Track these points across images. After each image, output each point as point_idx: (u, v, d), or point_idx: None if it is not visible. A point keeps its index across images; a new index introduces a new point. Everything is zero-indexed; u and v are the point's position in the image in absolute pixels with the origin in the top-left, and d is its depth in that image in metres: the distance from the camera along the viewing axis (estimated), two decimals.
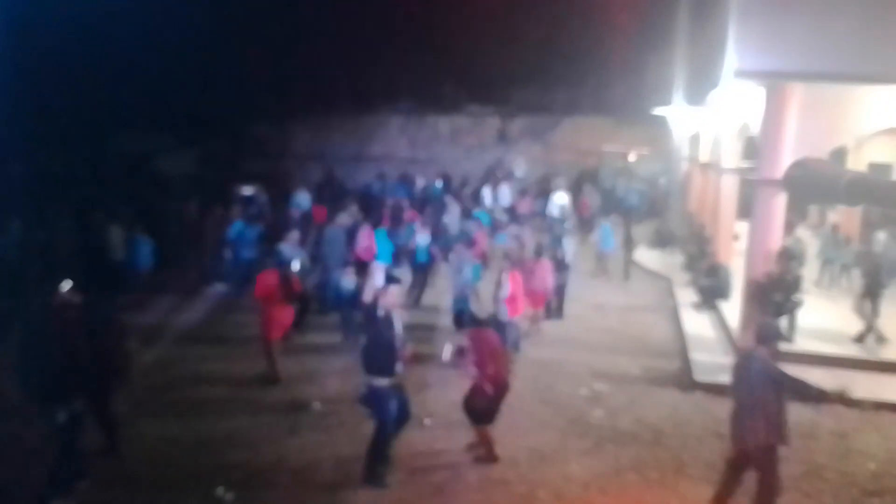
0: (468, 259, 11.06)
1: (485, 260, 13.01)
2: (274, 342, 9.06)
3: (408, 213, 15.27)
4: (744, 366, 5.85)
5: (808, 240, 12.76)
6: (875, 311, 10.08)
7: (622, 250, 16.22)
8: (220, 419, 7.92)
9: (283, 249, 10.72)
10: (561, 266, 12.01)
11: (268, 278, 9.04)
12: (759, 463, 5.72)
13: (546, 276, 11.04)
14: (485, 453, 7.01)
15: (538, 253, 11.40)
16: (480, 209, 15.37)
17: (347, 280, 10.14)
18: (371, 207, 17.01)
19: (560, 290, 12.10)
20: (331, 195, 19.73)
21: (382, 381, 6.45)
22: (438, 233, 14.12)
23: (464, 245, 11.59)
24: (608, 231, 15.50)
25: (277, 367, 9.02)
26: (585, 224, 17.99)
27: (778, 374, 5.67)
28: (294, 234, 11.20)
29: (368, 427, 7.64)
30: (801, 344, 9.80)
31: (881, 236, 11.50)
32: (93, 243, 12.83)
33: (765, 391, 5.59)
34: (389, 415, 6.52)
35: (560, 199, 18.39)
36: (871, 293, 10.14)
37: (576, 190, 21.43)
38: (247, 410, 8.16)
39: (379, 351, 6.46)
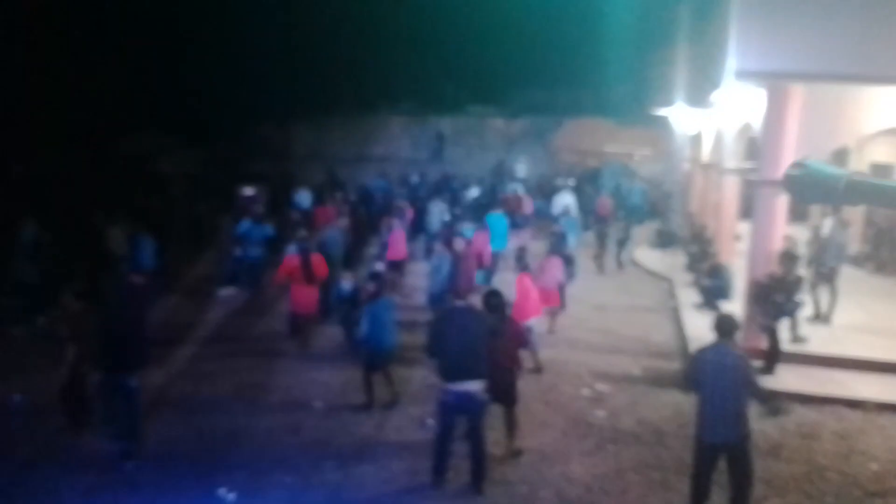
0: (447, 258, 11.09)
1: (489, 264, 12.93)
2: (299, 317, 10.22)
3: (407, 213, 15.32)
4: (714, 360, 5.73)
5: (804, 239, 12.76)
6: (832, 294, 10.77)
7: (616, 247, 16.43)
8: (222, 419, 7.93)
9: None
10: (567, 261, 12.11)
11: (292, 261, 10.14)
12: (738, 456, 5.72)
13: (556, 273, 11.15)
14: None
15: (551, 251, 11.52)
16: (497, 211, 15.22)
17: (346, 283, 10.08)
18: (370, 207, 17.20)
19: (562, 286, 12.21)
20: (332, 196, 19.74)
21: (479, 385, 6.26)
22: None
23: (443, 244, 11.62)
24: (571, 225, 15.38)
25: (297, 333, 10.31)
26: (603, 223, 17.95)
27: (748, 375, 5.69)
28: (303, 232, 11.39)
29: (368, 427, 7.72)
30: (802, 344, 9.80)
31: (827, 222, 11.67)
32: (95, 243, 12.82)
33: (736, 385, 5.63)
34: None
35: (564, 200, 18.48)
36: (820, 278, 10.80)
37: (578, 190, 21.45)
38: (249, 410, 8.17)
39: (480, 352, 6.29)
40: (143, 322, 7.11)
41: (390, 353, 8.32)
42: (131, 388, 6.79)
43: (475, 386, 6.23)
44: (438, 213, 16.25)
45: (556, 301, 11.18)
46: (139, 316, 7.10)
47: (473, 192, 20.93)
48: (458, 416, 6.38)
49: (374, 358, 8.18)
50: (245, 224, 13.35)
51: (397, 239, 13.26)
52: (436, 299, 10.79)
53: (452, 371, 6.22)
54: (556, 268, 11.16)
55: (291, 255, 10.42)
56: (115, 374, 6.68)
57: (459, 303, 6.80)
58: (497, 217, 14.52)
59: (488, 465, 6.54)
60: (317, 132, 30.12)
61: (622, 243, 16.84)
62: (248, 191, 18.99)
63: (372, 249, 15.73)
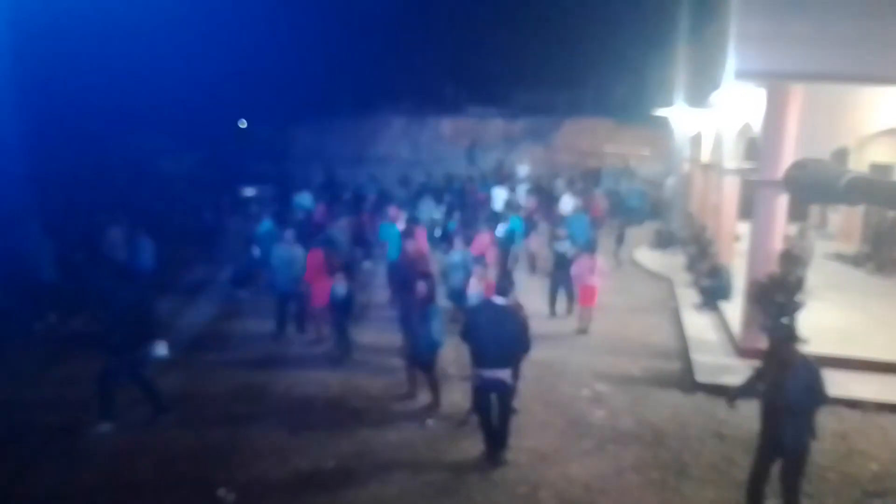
0: (469, 254, 11.13)
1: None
2: (318, 309, 10.40)
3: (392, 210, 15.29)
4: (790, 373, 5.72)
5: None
6: None
7: (614, 245, 16.61)
8: (221, 420, 7.93)
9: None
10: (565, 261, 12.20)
11: (314, 256, 10.44)
12: (797, 467, 5.80)
13: (596, 271, 11.27)
14: None
15: (591, 249, 11.58)
16: (513, 213, 15.24)
17: (340, 286, 9.92)
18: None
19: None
20: (331, 196, 19.81)
21: (506, 372, 6.79)
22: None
23: (462, 240, 11.63)
24: (582, 224, 15.30)
25: (322, 330, 10.51)
26: (597, 224, 18.00)
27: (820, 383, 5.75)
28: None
29: (368, 426, 7.72)
30: (805, 345, 9.78)
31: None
32: (97, 245, 12.83)
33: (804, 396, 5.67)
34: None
35: (571, 200, 18.67)
36: None
37: (579, 191, 21.50)
38: (248, 411, 8.17)
39: (514, 344, 6.85)
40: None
41: (436, 355, 8.21)
42: (153, 358, 7.72)
43: (502, 374, 6.79)
44: (427, 210, 16.47)
45: (591, 301, 11.40)
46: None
47: (500, 195, 20.17)
48: (489, 394, 6.90)
49: (428, 357, 8.11)
50: (266, 224, 13.35)
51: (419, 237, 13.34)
52: (455, 295, 10.84)
53: (483, 359, 6.79)
54: (595, 267, 11.38)
55: (314, 250, 10.64)
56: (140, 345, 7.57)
57: (495, 298, 7.01)
58: (515, 219, 14.62)
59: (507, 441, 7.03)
60: (317, 132, 30.14)
61: (619, 241, 16.89)
62: (250, 191, 19.06)
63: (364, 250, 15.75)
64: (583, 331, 11.34)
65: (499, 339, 6.74)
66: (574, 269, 11.65)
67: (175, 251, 14.99)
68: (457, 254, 11.17)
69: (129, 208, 15.16)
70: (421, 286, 8.28)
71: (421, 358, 8.10)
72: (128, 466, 6.86)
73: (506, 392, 6.91)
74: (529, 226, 15.46)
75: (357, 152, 29.39)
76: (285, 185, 21.74)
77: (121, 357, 7.48)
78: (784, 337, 5.91)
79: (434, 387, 8.25)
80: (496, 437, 7.01)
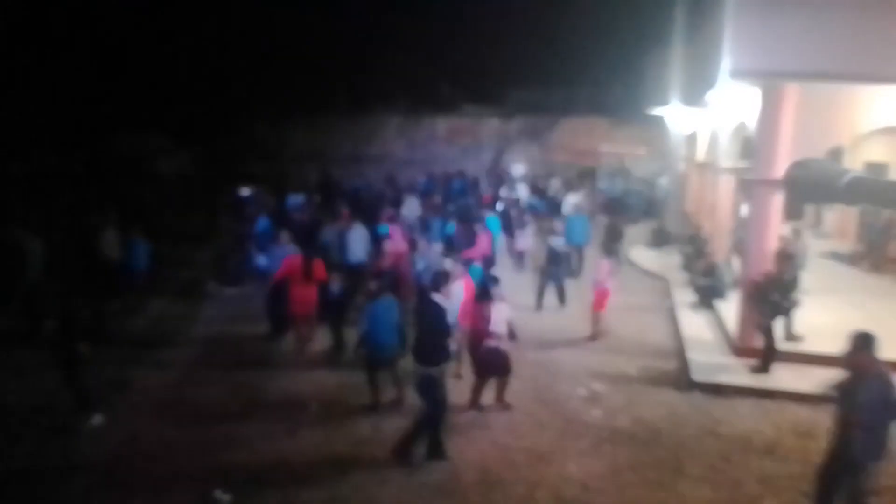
0: (430, 255, 11.16)
1: (489, 263, 12.89)
2: (298, 317, 9.96)
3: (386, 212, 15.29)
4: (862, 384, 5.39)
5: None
6: None
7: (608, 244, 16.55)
8: (217, 420, 7.91)
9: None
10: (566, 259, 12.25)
11: (293, 260, 10.00)
12: (859, 479, 5.54)
13: (607, 276, 11.01)
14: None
15: (608, 252, 11.49)
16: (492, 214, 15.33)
17: (335, 284, 9.90)
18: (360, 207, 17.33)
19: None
20: (327, 196, 19.75)
21: (435, 370, 6.90)
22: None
23: (426, 240, 11.64)
24: (582, 223, 15.32)
25: (303, 331, 10.11)
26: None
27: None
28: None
29: (365, 428, 7.71)
30: (797, 343, 9.81)
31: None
32: (89, 245, 12.77)
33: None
34: (439, 403, 7.01)
35: (573, 199, 18.74)
36: None
37: (575, 189, 21.54)
38: (244, 412, 8.15)
39: (433, 340, 6.94)
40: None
41: (391, 353, 8.16)
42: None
43: (421, 369, 6.94)
44: (412, 208, 16.55)
45: (601, 305, 11.05)
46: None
47: (523, 192, 20.34)
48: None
49: (374, 357, 8.13)
50: (263, 223, 13.27)
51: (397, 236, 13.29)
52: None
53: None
54: (607, 272, 11.08)
55: (292, 254, 10.36)
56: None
57: (436, 296, 7.15)
58: (491, 219, 14.62)
59: (420, 435, 6.98)
60: (312, 132, 30.10)
61: (613, 240, 16.90)
62: (245, 191, 19.01)
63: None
64: (596, 336, 11.02)
65: (420, 333, 7.01)
66: (595, 275, 11.27)
67: (170, 251, 14.95)
68: (422, 259, 11.16)
69: (123, 208, 15.11)
70: (372, 284, 8.43)
71: (367, 350, 8.17)
72: (124, 466, 6.84)
73: (420, 386, 6.95)
74: (516, 224, 15.51)
75: (353, 152, 29.36)
76: (281, 185, 21.69)
77: (61, 351, 7.66)
78: (860, 344, 5.43)
79: (370, 381, 8.22)
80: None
